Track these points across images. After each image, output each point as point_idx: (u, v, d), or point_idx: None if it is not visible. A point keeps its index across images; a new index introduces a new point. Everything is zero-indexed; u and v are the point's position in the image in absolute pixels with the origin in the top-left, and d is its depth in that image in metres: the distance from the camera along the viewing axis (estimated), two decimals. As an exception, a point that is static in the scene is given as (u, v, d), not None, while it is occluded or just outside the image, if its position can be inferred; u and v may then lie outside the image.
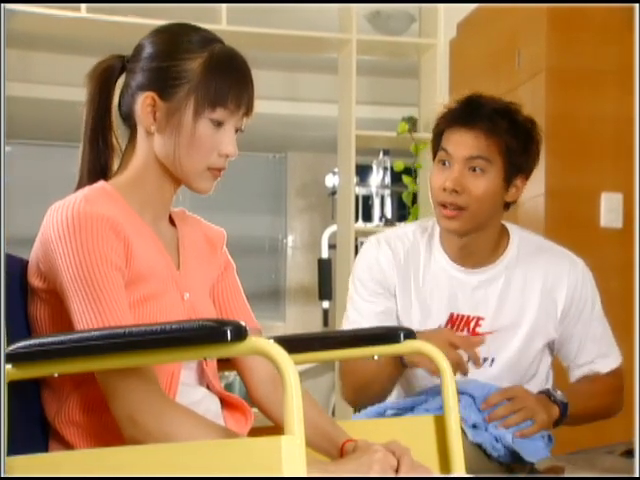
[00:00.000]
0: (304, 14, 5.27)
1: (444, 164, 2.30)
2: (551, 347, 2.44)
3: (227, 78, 1.67)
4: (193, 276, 1.75)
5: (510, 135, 2.27)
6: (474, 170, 2.27)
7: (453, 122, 2.30)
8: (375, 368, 2.30)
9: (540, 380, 2.44)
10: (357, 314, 2.41)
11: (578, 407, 2.29)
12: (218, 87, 1.66)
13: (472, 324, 2.35)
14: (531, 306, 2.37)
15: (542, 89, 3.48)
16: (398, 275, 2.39)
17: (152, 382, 1.54)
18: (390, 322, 2.37)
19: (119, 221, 1.60)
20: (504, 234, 2.41)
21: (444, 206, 2.28)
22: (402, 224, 4.99)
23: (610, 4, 3.44)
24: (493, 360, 2.36)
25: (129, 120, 1.72)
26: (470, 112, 2.28)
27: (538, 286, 2.38)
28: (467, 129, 2.27)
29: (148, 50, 1.69)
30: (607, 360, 2.43)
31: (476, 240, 2.34)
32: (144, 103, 1.66)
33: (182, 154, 1.66)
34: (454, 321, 2.36)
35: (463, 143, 2.27)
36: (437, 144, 2.35)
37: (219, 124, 1.67)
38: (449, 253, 2.38)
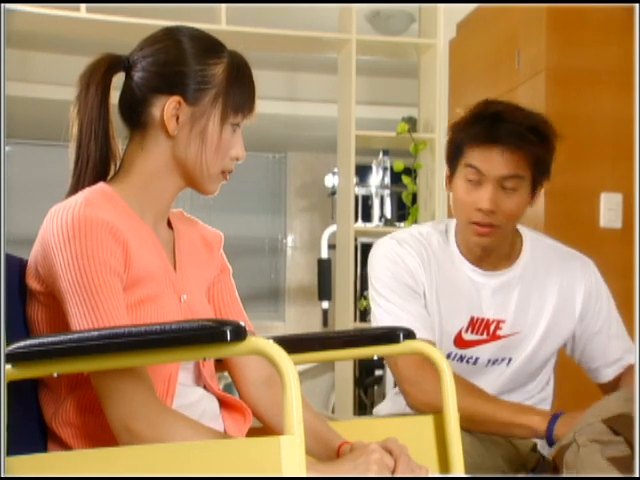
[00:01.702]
0: (304, 14, 5.28)
1: (471, 181, 2.25)
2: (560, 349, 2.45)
3: (246, 84, 1.71)
4: (190, 278, 1.75)
5: (539, 149, 2.24)
6: (506, 188, 2.24)
7: (479, 139, 2.23)
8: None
9: (542, 380, 2.46)
10: (391, 306, 2.34)
11: None
12: (240, 93, 1.69)
13: (492, 327, 2.35)
14: (548, 307, 2.38)
15: (542, 89, 3.48)
16: (426, 274, 2.36)
17: (147, 389, 1.53)
18: (427, 323, 2.33)
19: (118, 225, 1.59)
20: (517, 235, 2.41)
21: (476, 223, 2.27)
22: (403, 224, 4.99)
23: (610, 4, 3.44)
24: (510, 360, 2.38)
25: (135, 121, 1.71)
26: (498, 129, 2.22)
27: (555, 287, 2.39)
28: (497, 147, 2.22)
29: (160, 53, 1.68)
30: (631, 354, 2.42)
31: (495, 245, 2.34)
32: (169, 106, 1.66)
33: (209, 158, 1.68)
34: (474, 324, 2.35)
35: (495, 162, 2.22)
36: (456, 157, 2.29)
37: (235, 128, 1.70)
38: (467, 256, 2.37)
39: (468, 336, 2.35)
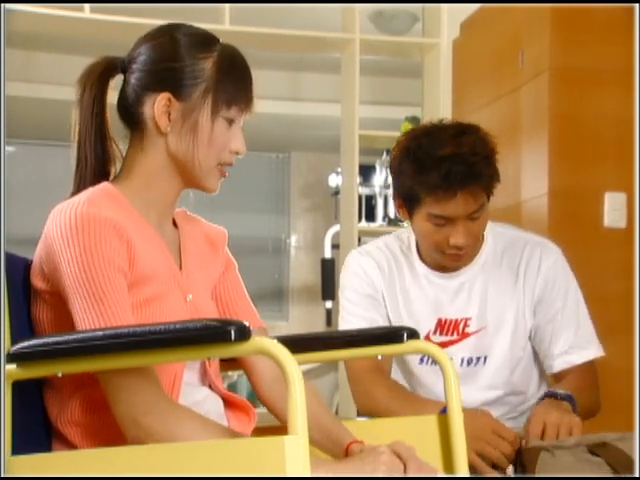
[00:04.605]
0: (307, 14, 5.27)
1: (437, 224, 2.26)
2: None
3: (238, 77, 1.70)
4: (195, 277, 1.75)
5: (490, 171, 2.25)
6: (473, 218, 2.26)
7: (437, 190, 2.20)
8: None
9: (535, 378, 2.47)
10: (352, 318, 2.42)
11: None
12: (232, 86, 1.68)
13: (461, 326, 2.39)
14: (513, 299, 2.39)
15: (545, 89, 3.48)
16: (384, 283, 2.42)
17: (155, 385, 1.54)
18: None
19: (122, 223, 1.59)
20: None
21: (450, 254, 2.30)
22: (406, 224, 4.99)
23: (612, 4, 3.44)
24: (486, 358, 2.40)
25: (132, 121, 1.71)
26: (454, 179, 2.18)
27: (518, 278, 2.40)
28: (458, 194, 2.20)
29: (152, 51, 1.69)
30: (583, 352, 2.39)
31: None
32: (159, 104, 1.66)
33: (200, 153, 1.68)
34: (442, 326, 2.39)
35: (460, 206, 2.22)
36: (411, 201, 2.27)
37: (230, 122, 1.69)
38: (428, 263, 2.41)
39: (437, 338, 2.38)
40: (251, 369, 1.83)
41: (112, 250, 1.57)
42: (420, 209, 2.26)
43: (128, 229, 1.60)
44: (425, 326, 2.38)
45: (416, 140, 2.27)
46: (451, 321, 2.39)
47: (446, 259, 2.33)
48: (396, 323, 2.39)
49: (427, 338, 2.37)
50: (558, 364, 2.39)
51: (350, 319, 2.42)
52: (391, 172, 2.35)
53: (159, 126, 1.67)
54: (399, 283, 2.42)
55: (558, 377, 2.41)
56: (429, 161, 2.21)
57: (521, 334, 2.40)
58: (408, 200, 2.29)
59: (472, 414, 2.09)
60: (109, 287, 1.55)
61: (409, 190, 2.26)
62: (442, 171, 2.18)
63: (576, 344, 2.39)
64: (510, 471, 2.12)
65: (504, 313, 2.39)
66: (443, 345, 2.35)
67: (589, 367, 2.39)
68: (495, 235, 2.43)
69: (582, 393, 2.28)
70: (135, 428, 1.50)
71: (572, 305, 2.41)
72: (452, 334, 2.39)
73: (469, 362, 2.39)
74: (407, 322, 2.36)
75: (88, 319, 1.54)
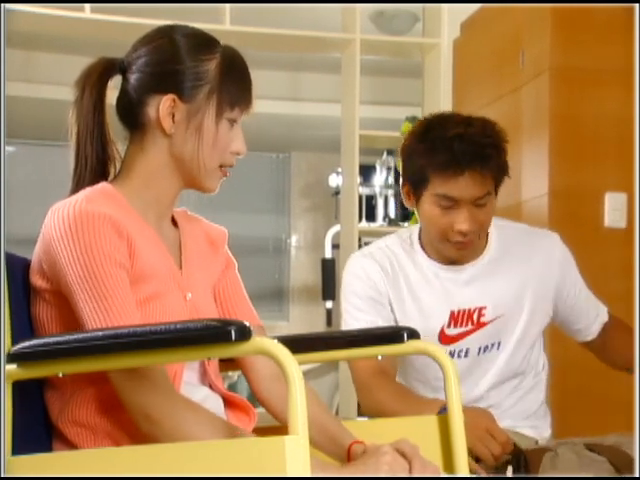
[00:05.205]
0: (307, 14, 5.28)
1: (443, 206, 2.28)
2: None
3: (241, 78, 1.71)
4: (195, 276, 1.75)
5: (499, 159, 2.28)
6: (478, 205, 2.28)
7: (444, 168, 2.23)
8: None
9: (536, 351, 2.50)
10: (354, 322, 2.41)
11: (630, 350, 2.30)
12: (235, 87, 1.69)
13: (475, 315, 2.39)
14: (527, 286, 2.42)
15: (546, 89, 3.48)
16: (389, 284, 2.41)
17: (165, 380, 1.55)
18: None
19: (121, 220, 1.60)
20: None
21: (455, 242, 2.32)
22: (407, 224, 5.00)
23: (612, 4, 3.44)
24: (499, 344, 2.41)
25: (133, 122, 1.71)
26: (461, 156, 2.22)
27: (530, 266, 2.43)
28: (465, 173, 2.23)
29: (153, 53, 1.69)
30: (603, 309, 2.57)
31: (470, 251, 2.39)
32: (165, 105, 1.66)
33: (205, 154, 1.68)
34: (456, 317, 2.39)
35: (465, 187, 2.24)
36: (419, 182, 2.29)
37: (232, 123, 1.70)
38: (434, 258, 2.42)
39: (452, 330, 2.39)
40: (249, 367, 1.83)
41: (112, 246, 1.57)
42: (427, 191, 2.28)
43: (127, 226, 1.60)
44: (438, 321, 2.38)
45: (427, 124, 2.32)
46: (464, 311, 2.39)
47: (451, 248, 2.33)
48: (405, 323, 2.36)
49: (442, 332, 2.38)
50: (596, 329, 2.55)
51: (353, 323, 2.41)
52: (402, 157, 2.37)
53: (163, 127, 1.67)
54: (404, 282, 2.41)
55: (596, 341, 2.55)
56: (440, 141, 2.24)
57: (535, 321, 2.44)
58: (416, 183, 2.30)
59: (473, 412, 2.11)
60: (112, 284, 1.55)
61: (418, 171, 2.29)
62: (452, 149, 2.22)
63: (596, 305, 2.56)
64: (509, 472, 2.13)
65: (520, 300, 2.41)
66: (460, 336, 2.38)
67: (614, 316, 2.57)
68: (498, 228, 2.45)
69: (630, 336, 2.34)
70: (147, 423, 1.51)
71: (580, 276, 2.53)
72: (467, 324, 2.39)
73: (485, 349, 2.40)
74: (418, 320, 2.35)
75: (94, 317, 1.54)
